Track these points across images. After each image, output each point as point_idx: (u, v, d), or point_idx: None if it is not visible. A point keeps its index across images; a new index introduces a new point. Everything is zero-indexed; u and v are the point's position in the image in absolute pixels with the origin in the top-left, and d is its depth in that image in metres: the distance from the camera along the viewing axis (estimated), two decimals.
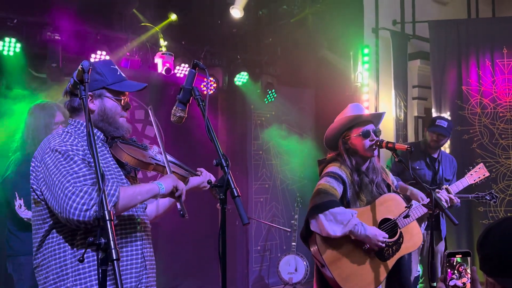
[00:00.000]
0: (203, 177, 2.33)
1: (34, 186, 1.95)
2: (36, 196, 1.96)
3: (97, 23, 4.62)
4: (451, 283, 1.45)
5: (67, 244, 1.92)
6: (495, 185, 5.97)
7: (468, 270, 1.47)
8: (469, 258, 1.47)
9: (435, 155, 4.33)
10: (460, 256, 1.47)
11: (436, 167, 4.30)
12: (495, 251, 1.35)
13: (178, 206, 2.05)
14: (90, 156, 1.91)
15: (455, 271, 1.46)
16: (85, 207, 1.74)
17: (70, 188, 1.78)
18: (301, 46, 5.67)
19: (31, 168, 1.97)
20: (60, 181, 1.81)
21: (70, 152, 1.88)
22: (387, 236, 2.84)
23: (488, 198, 3.71)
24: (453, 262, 1.46)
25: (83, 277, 1.89)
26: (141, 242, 2.07)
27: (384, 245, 2.81)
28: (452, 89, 6.18)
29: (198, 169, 2.38)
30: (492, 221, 5.92)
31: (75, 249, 1.91)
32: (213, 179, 2.33)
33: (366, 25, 6.37)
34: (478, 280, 1.47)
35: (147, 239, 2.12)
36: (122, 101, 2.06)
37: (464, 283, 1.46)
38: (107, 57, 4.49)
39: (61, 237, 1.92)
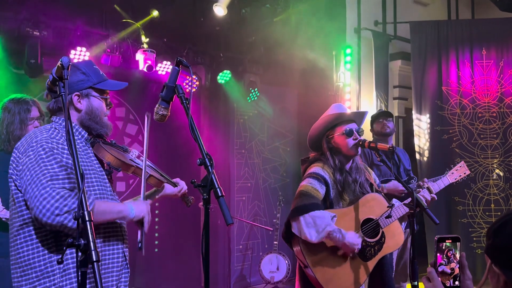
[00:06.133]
0: (178, 188, 2.35)
1: (14, 177, 1.93)
2: (14, 187, 1.93)
3: (77, 18, 4.54)
4: (439, 269, 1.45)
5: (52, 240, 1.88)
6: (474, 184, 6.08)
7: (457, 255, 1.47)
8: (458, 243, 1.47)
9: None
10: (450, 241, 1.47)
11: (397, 160, 4.29)
12: (510, 244, 1.32)
13: (139, 236, 2.00)
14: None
15: (444, 256, 1.47)
16: (57, 211, 1.74)
17: (48, 189, 1.77)
18: (284, 45, 5.67)
19: (12, 158, 1.94)
20: (39, 178, 1.79)
21: (55, 151, 1.86)
22: (359, 244, 2.81)
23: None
24: (442, 246, 1.46)
25: (72, 271, 1.86)
26: (122, 242, 2.07)
27: (356, 251, 2.79)
28: (432, 89, 6.26)
29: (174, 179, 2.39)
30: (471, 220, 6.04)
31: (59, 247, 1.87)
32: (184, 187, 2.38)
33: (348, 25, 6.41)
34: (467, 266, 1.48)
35: (126, 238, 2.13)
36: (107, 100, 2.12)
37: (452, 269, 1.46)
38: (87, 53, 4.42)
39: (45, 233, 1.88)
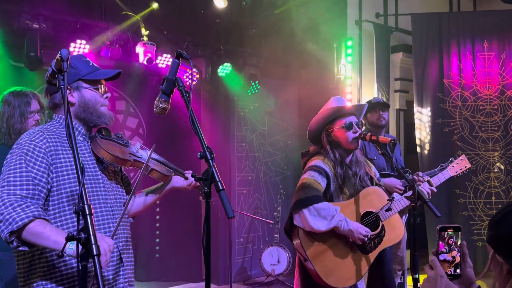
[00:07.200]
0: (188, 181, 2.28)
1: None
2: None
3: (76, 11, 4.52)
4: (441, 257, 1.48)
5: None
6: (475, 177, 6.07)
7: (458, 243, 1.50)
8: (459, 233, 1.50)
9: None
10: (451, 230, 1.50)
11: (390, 153, 4.18)
12: None
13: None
14: (56, 156, 1.90)
15: (445, 245, 1.49)
16: None
17: None
18: (285, 37, 5.65)
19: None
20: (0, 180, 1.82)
21: (30, 154, 1.86)
22: (369, 230, 2.85)
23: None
24: (444, 235, 1.50)
25: (40, 265, 1.86)
26: (116, 237, 2.03)
27: (366, 238, 2.82)
28: (433, 82, 6.23)
29: (185, 172, 2.32)
30: (471, 212, 6.04)
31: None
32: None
33: (349, 18, 6.36)
34: (468, 254, 1.51)
35: (123, 234, 2.10)
36: (100, 89, 2.08)
37: (453, 257, 1.49)
38: (87, 46, 4.40)
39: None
